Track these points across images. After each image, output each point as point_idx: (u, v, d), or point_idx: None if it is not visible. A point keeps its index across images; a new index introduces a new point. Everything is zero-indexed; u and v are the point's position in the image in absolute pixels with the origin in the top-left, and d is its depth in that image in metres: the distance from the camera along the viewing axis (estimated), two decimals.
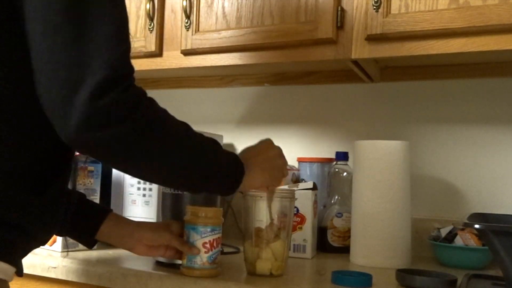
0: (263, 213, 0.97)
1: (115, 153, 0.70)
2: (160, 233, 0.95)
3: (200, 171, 0.78)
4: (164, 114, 0.74)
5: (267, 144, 0.94)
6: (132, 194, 1.25)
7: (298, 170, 1.39)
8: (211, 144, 0.81)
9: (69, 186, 0.85)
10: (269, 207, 0.97)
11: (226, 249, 1.21)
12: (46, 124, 0.72)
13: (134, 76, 0.71)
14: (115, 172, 1.27)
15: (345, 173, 1.33)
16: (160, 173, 0.76)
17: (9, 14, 0.70)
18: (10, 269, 0.74)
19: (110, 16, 0.68)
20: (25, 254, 0.78)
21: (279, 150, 0.94)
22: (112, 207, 1.27)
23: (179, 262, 0.97)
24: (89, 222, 0.96)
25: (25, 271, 1.05)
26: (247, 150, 0.91)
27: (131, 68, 0.71)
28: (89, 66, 0.65)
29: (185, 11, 1.31)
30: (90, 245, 0.99)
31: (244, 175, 0.84)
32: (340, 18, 1.15)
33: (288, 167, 1.31)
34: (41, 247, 1.11)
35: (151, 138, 0.71)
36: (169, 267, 0.99)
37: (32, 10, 0.67)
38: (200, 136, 0.79)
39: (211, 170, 0.79)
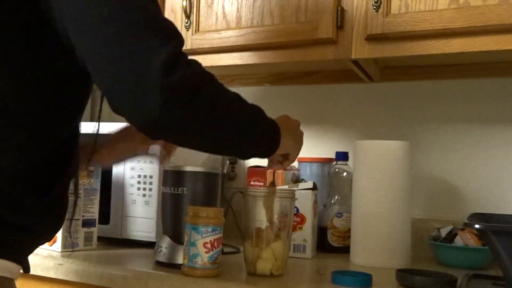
0: (263, 213, 0.97)
1: (190, 127, 0.71)
2: (123, 145, 1.03)
3: (253, 138, 0.83)
4: (221, 84, 0.76)
5: (287, 116, 0.99)
6: (132, 194, 1.25)
7: (298, 170, 1.39)
8: (258, 111, 0.85)
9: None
10: (270, 208, 0.97)
11: (226, 249, 1.21)
12: (48, 126, 0.72)
13: None
14: (115, 172, 1.27)
15: (345, 173, 1.33)
16: (222, 142, 0.78)
17: (19, 15, 0.69)
18: (16, 267, 0.74)
19: None
20: (30, 251, 0.78)
21: (298, 122, 1.00)
22: (112, 207, 1.27)
23: (180, 262, 0.97)
24: None
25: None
26: (276, 119, 0.94)
27: (183, 39, 0.71)
28: (150, 49, 0.64)
29: (185, 11, 1.31)
30: None
31: (280, 136, 0.89)
32: (340, 18, 1.15)
33: (288, 167, 1.31)
34: (41, 247, 1.12)
35: (219, 108, 0.73)
36: (169, 267, 0.99)
37: (70, 10, 0.66)
38: (248, 104, 0.82)
39: (261, 136, 0.84)
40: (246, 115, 0.80)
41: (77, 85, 0.77)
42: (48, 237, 0.80)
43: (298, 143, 0.97)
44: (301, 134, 0.99)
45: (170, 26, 0.69)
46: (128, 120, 0.69)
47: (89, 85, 0.80)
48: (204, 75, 0.71)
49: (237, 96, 0.80)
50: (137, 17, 0.65)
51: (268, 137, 0.86)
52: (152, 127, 0.68)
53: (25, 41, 0.70)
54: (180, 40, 0.70)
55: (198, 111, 0.69)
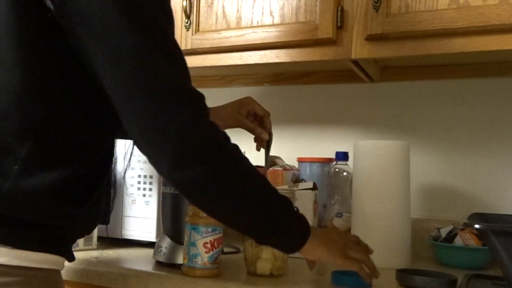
0: None
1: (202, 190, 0.73)
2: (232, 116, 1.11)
3: (271, 224, 0.79)
4: (246, 162, 0.77)
5: (349, 234, 0.96)
6: (132, 194, 1.25)
7: (298, 170, 1.39)
8: (285, 201, 0.82)
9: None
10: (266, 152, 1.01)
11: (226, 249, 1.21)
12: (88, 145, 0.77)
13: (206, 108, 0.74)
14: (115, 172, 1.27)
15: (345, 173, 1.33)
16: (235, 216, 0.78)
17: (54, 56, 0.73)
18: (61, 259, 0.80)
19: (171, 56, 0.71)
20: (72, 244, 0.84)
21: (357, 239, 0.93)
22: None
23: (180, 262, 0.97)
24: None
25: None
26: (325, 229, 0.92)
27: (203, 98, 0.74)
28: (168, 113, 0.68)
29: (185, 11, 1.31)
30: None
31: (308, 239, 0.83)
32: (340, 18, 1.15)
33: (288, 167, 1.31)
34: None
35: (235, 181, 0.74)
36: (169, 267, 0.99)
37: (101, 61, 0.69)
38: (275, 191, 0.81)
39: (281, 226, 0.80)
40: (267, 200, 0.78)
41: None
42: (88, 232, 0.89)
43: (337, 251, 0.87)
44: (351, 245, 0.90)
45: (189, 88, 0.72)
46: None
47: None
48: (226, 145, 0.74)
49: (263, 181, 0.79)
50: (159, 80, 0.69)
51: (291, 232, 0.82)
52: (169, 182, 0.74)
53: (60, 68, 0.73)
54: (198, 102, 0.72)
55: (209, 175, 0.71)
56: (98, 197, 0.82)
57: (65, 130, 0.74)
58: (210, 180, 0.71)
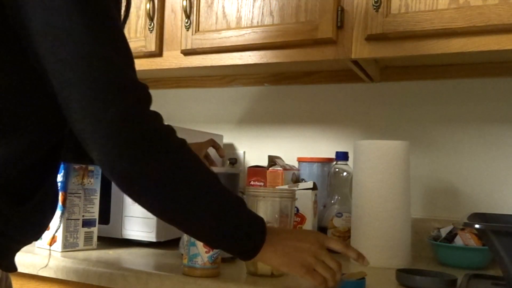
0: (264, 213, 0.97)
1: (139, 186, 0.67)
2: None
3: (221, 227, 0.74)
4: (193, 158, 0.72)
5: (311, 231, 0.86)
6: None
7: (298, 170, 1.39)
8: (238, 202, 0.75)
9: None
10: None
11: None
12: (36, 132, 0.71)
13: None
14: None
15: (345, 173, 1.33)
16: (179, 218, 0.72)
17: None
18: None
19: (113, 41, 0.67)
20: (9, 254, 0.76)
21: (320, 239, 0.82)
22: (112, 207, 1.27)
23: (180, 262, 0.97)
24: None
25: (25, 271, 1.05)
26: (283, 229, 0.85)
27: (143, 89, 0.69)
28: (104, 102, 0.64)
29: (185, 11, 1.31)
30: None
31: (264, 242, 0.77)
32: (340, 18, 1.15)
33: (288, 167, 1.31)
34: (40, 246, 1.12)
35: (178, 178, 0.69)
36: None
37: (41, 50, 0.66)
38: (227, 191, 0.74)
39: (232, 230, 0.74)
40: (221, 196, 0.72)
41: None
42: (27, 242, 0.79)
43: (291, 260, 0.79)
44: (313, 251, 0.80)
45: (129, 77, 0.68)
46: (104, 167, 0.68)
47: None
48: (166, 135, 0.69)
49: (213, 176, 0.73)
50: (97, 67, 0.65)
51: (240, 235, 0.75)
52: (105, 174, 0.68)
53: (16, 50, 0.69)
54: (137, 92, 0.68)
55: (149, 168, 0.66)
56: (42, 197, 0.75)
57: (14, 113, 0.69)
58: (147, 176, 0.66)
